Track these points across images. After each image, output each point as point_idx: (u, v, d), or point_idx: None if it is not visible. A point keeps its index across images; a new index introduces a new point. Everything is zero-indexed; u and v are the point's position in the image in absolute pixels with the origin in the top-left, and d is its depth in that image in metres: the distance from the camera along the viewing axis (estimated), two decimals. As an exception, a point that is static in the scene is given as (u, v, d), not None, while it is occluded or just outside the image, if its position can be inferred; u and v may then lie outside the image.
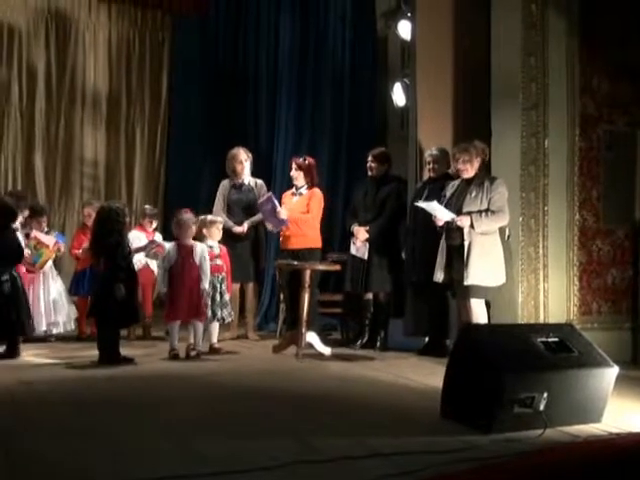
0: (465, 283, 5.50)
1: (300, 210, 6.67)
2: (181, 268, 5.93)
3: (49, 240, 6.68)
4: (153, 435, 3.66)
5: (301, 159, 6.82)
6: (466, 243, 5.52)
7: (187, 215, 6.11)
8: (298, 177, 6.74)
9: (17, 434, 3.66)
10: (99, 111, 9.45)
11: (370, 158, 6.59)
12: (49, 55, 9.18)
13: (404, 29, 7.60)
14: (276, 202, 6.59)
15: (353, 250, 6.52)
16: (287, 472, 3.06)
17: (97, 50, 9.45)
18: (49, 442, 3.50)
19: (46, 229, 6.97)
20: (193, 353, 5.91)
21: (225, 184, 7.07)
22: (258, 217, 6.88)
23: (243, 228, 6.83)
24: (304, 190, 6.74)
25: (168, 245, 6.03)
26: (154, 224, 7.23)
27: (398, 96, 7.84)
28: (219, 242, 6.39)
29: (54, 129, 9.23)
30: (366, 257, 6.42)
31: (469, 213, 5.55)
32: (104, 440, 3.55)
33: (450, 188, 5.83)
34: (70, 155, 9.30)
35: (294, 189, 6.81)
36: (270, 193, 6.78)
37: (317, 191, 6.75)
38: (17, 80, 9.01)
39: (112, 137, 9.55)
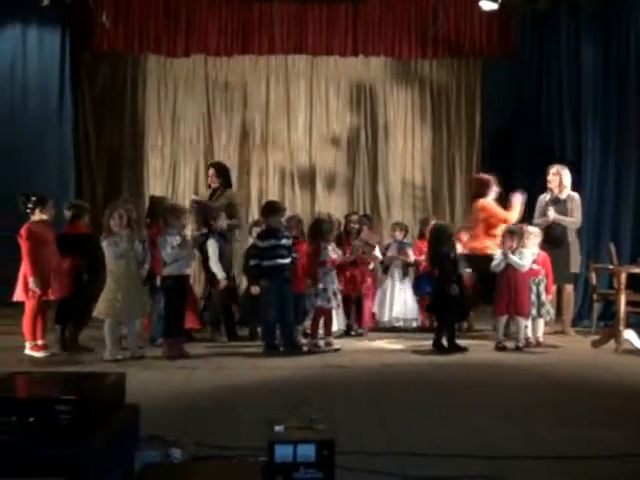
0: None
1: None
2: (506, 272, 5.78)
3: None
4: (497, 417, 3.58)
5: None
6: None
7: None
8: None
9: (389, 405, 3.84)
10: (428, 145, 9.64)
11: None
12: (389, 100, 9.59)
13: None
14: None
15: None
16: (621, 463, 2.76)
17: (423, 95, 9.64)
18: (411, 417, 3.61)
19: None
20: (519, 345, 5.70)
21: (541, 197, 6.75)
22: (562, 218, 6.48)
23: None
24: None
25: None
26: (466, 235, 7.06)
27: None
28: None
29: (391, 161, 9.61)
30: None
31: None
32: (452, 418, 3.55)
33: None
34: (405, 183, 9.64)
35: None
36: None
37: None
38: (364, 127, 9.56)
39: (436, 166, 9.69)
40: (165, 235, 5.44)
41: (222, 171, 6.70)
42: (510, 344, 5.74)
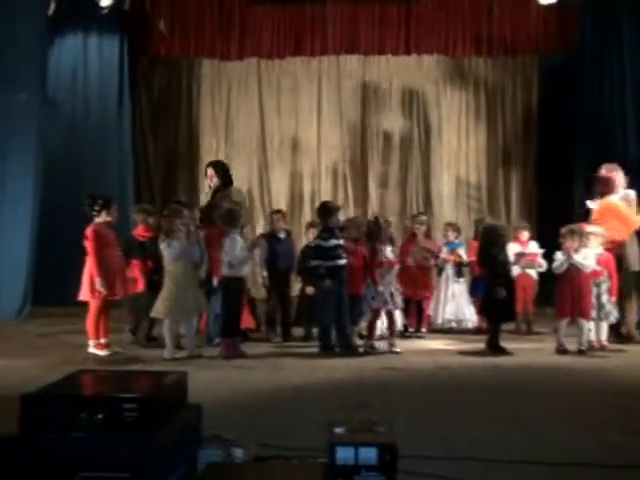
0: None
1: None
2: (569, 274, 5.63)
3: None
4: (557, 422, 3.48)
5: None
6: None
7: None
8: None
9: (444, 408, 3.78)
10: (483, 144, 9.48)
11: None
12: (442, 98, 9.47)
13: None
14: None
15: None
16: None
17: (477, 92, 9.49)
18: (467, 421, 3.54)
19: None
20: (582, 348, 5.54)
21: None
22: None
23: None
24: None
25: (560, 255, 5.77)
26: (525, 234, 6.94)
27: None
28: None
29: (445, 160, 9.48)
30: None
31: None
32: (509, 422, 3.47)
33: None
34: (460, 182, 9.51)
35: None
36: None
37: None
38: (416, 126, 9.44)
39: (492, 165, 9.52)
40: (232, 235, 5.52)
41: (221, 170, 6.47)
42: (572, 347, 5.58)
